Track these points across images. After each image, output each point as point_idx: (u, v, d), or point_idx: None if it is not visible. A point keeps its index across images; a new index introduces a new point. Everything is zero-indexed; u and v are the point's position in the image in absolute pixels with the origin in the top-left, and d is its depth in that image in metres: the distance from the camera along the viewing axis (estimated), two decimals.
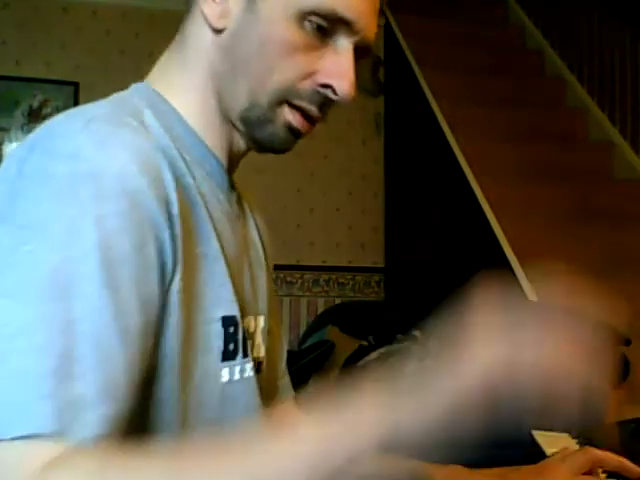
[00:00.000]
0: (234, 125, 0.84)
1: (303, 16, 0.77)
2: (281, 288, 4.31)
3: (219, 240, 0.80)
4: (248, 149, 0.88)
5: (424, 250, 4.20)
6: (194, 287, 0.75)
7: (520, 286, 3.23)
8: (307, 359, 3.32)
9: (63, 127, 0.72)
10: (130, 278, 0.66)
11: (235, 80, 0.81)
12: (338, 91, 0.79)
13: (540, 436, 1.12)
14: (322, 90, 0.80)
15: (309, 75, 0.79)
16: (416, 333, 3.17)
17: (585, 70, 4.45)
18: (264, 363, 0.90)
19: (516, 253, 3.34)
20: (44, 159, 0.69)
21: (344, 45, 0.79)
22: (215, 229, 0.79)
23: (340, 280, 4.48)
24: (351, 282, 4.51)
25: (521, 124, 4.09)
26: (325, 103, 0.81)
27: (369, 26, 0.80)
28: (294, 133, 0.82)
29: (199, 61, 0.83)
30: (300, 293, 4.39)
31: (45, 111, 4.17)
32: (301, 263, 4.41)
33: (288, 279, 4.36)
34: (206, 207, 0.79)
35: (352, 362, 3.15)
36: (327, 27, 0.78)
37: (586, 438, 1.12)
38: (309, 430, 0.61)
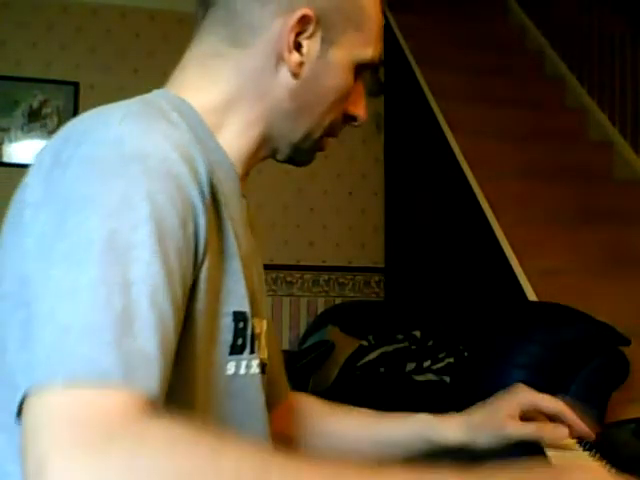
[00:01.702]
0: (272, 146, 0.92)
1: (358, 66, 0.91)
2: (281, 288, 4.31)
3: (235, 239, 0.83)
4: (263, 159, 0.95)
5: (424, 250, 4.20)
6: (213, 280, 0.78)
7: (520, 286, 3.23)
8: (307, 359, 3.32)
9: (99, 120, 0.74)
10: (175, 251, 0.68)
11: (297, 119, 0.90)
12: (360, 120, 0.96)
13: None
14: (346, 119, 0.94)
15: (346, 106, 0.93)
16: (416, 333, 3.17)
17: (585, 70, 4.45)
18: (268, 365, 0.93)
19: (516, 253, 3.34)
20: (85, 147, 0.70)
21: (360, 79, 0.94)
22: (232, 228, 0.83)
23: (340, 280, 4.48)
24: (351, 282, 4.50)
25: (521, 124, 4.09)
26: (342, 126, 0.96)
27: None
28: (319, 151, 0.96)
29: (258, 96, 0.88)
30: (300, 293, 4.39)
31: (45, 111, 4.16)
32: (301, 263, 4.41)
33: (288, 279, 4.36)
34: (226, 207, 0.82)
35: (352, 362, 3.15)
36: (364, 70, 0.93)
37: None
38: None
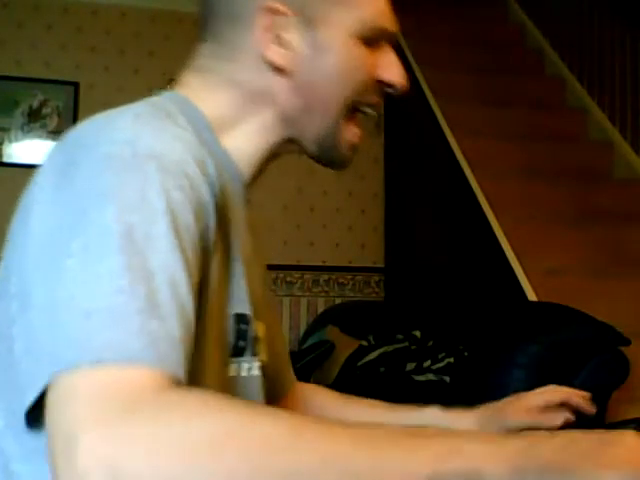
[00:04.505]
0: (297, 145, 0.92)
1: (358, 35, 0.87)
2: (281, 288, 4.31)
3: (239, 243, 0.83)
4: (276, 155, 0.94)
5: (424, 250, 4.20)
6: (219, 280, 0.79)
7: (520, 286, 3.23)
8: (307, 359, 3.32)
9: (110, 121, 0.75)
10: (190, 246, 0.69)
11: (311, 110, 0.88)
12: (397, 84, 0.91)
13: None
14: (380, 86, 0.91)
15: (372, 75, 0.90)
16: (416, 333, 3.17)
17: (585, 70, 4.45)
18: (266, 368, 0.92)
19: (516, 253, 3.34)
20: (99, 146, 0.71)
21: (387, 46, 0.91)
22: (236, 232, 0.83)
23: (340, 280, 4.48)
24: (351, 282, 4.50)
25: (521, 124, 4.09)
26: (382, 94, 0.92)
27: (397, 28, 0.93)
28: (354, 149, 0.93)
29: (262, 102, 0.87)
30: (300, 293, 4.39)
31: (45, 111, 4.16)
32: (301, 263, 4.41)
33: (288, 279, 4.36)
34: (230, 210, 0.83)
35: (352, 362, 3.15)
36: (374, 39, 0.89)
37: None
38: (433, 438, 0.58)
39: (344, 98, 0.88)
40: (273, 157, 0.93)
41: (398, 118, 4.56)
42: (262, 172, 0.93)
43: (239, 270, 0.83)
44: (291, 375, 1.10)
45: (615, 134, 4.16)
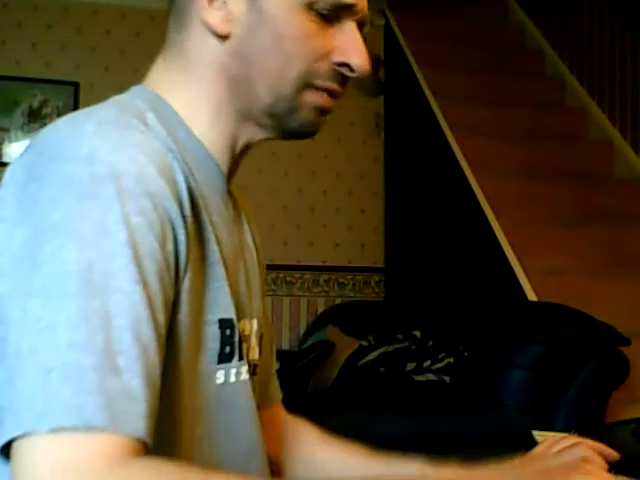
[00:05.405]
0: (253, 121, 0.85)
1: (308, 6, 0.80)
2: (281, 288, 4.31)
3: (218, 244, 0.81)
4: (247, 147, 0.88)
5: (424, 250, 4.20)
6: (196, 288, 0.77)
7: (520, 286, 3.23)
8: (307, 359, 3.32)
9: (72, 131, 0.72)
10: (155, 274, 0.67)
11: (252, 81, 0.82)
12: (354, 67, 0.83)
13: (540, 436, 1.12)
14: (338, 69, 0.83)
15: (324, 56, 0.82)
16: (416, 333, 3.17)
17: (585, 70, 4.45)
18: (259, 366, 0.91)
19: (516, 253, 3.34)
20: (58, 162, 0.69)
21: (349, 24, 0.83)
22: (214, 232, 0.80)
23: (340, 280, 4.48)
24: (351, 282, 4.50)
25: (521, 124, 4.09)
26: (343, 80, 0.85)
27: (364, 3, 0.84)
28: (322, 112, 0.84)
29: (208, 71, 0.83)
30: (300, 293, 4.39)
31: (45, 111, 4.16)
32: (301, 263, 4.41)
33: (288, 279, 4.36)
34: (206, 210, 0.80)
35: (352, 362, 3.15)
36: (330, 13, 0.81)
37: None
38: None
39: (292, 74, 0.81)
40: (245, 148, 0.88)
41: (398, 118, 4.56)
42: (238, 163, 0.89)
43: (220, 273, 0.80)
44: (273, 391, 1.04)
45: (615, 134, 4.16)
